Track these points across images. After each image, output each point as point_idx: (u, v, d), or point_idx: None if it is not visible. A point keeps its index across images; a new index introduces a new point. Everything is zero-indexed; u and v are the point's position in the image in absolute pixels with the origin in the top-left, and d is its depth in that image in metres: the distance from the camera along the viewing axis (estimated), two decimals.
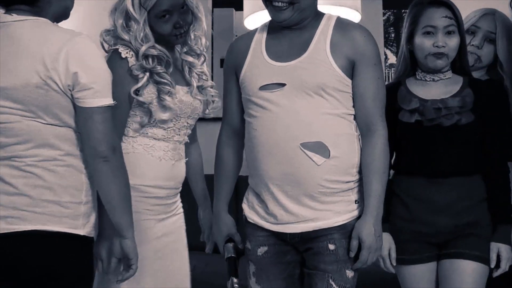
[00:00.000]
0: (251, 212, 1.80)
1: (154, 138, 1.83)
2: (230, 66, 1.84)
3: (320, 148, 1.66)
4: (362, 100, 1.70)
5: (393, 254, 1.86)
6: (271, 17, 1.75)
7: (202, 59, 1.92)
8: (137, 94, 1.76)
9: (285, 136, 1.66)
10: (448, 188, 1.82)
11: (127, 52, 1.76)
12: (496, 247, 1.81)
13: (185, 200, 2.05)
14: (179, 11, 1.78)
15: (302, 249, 1.75)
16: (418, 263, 1.87)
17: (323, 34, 1.70)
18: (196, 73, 1.90)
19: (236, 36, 3.90)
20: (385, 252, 1.85)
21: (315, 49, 1.69)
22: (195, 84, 1.88)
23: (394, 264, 1.87)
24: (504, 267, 1.82)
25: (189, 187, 2.11)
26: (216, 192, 1.90)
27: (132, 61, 1.76)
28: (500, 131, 1.85)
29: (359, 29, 1.73)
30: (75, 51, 1.50)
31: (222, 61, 2.84)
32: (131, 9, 1.73)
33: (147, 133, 1.82)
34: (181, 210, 2.01)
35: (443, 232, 1.83)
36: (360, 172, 1.72)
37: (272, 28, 1.78)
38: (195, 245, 2.10)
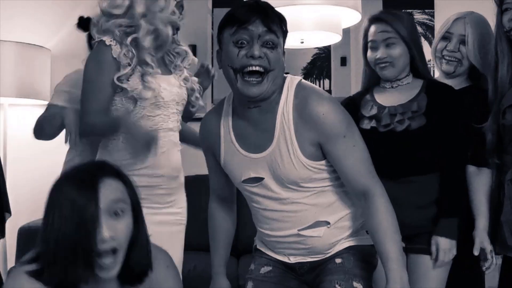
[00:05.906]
0: (262, 247, 1.80)
1: None
2: (206, 146, 1.77)
3: (318, 225, 1.65)
4: (345, 175, 1.61)
5: None
6: (242, 91, 1.56)
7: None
8: (121, 81, 1.82)
9: (281, 225, 1.67)
10: (410, 186, 1.90)
11: (111, 40, 1.84)
12: (435, 240, 1.89)
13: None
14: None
15: (309, 279, 1.73)
16: None
17: (285, 117, 1.59)
18: (186, 66, 2.02)
19: None
20: None
21: (281, 139, 1.59)
22: (185, 73, 2.00)
23: None
24: (442, 258, 1.89)
25: (188, 188, 2.11)
26: (213, 256, 1.87)
27: (115, 48, 1.83)
28: (453, 134, 1.91)
29: (316, 104, 1.57)
30: None
31: None
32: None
33: None
34: (176, 216, 2.00)
35: (408, 225, 1.85)
36: (360, 215, 1.70)
37: (236, 107, 1.67)
38: (195, 245, 2.11)
